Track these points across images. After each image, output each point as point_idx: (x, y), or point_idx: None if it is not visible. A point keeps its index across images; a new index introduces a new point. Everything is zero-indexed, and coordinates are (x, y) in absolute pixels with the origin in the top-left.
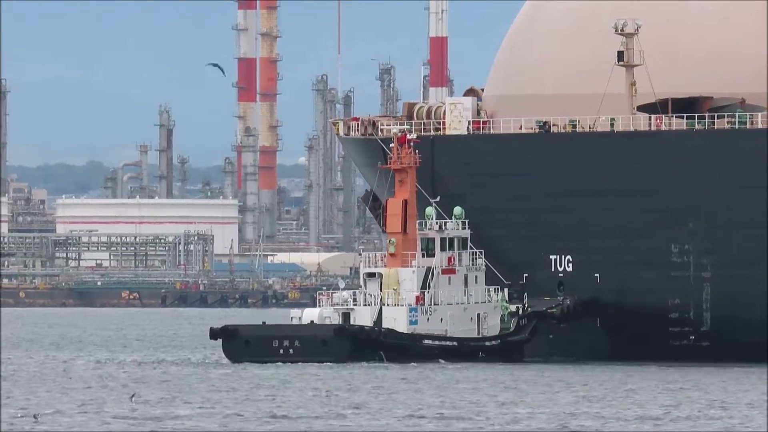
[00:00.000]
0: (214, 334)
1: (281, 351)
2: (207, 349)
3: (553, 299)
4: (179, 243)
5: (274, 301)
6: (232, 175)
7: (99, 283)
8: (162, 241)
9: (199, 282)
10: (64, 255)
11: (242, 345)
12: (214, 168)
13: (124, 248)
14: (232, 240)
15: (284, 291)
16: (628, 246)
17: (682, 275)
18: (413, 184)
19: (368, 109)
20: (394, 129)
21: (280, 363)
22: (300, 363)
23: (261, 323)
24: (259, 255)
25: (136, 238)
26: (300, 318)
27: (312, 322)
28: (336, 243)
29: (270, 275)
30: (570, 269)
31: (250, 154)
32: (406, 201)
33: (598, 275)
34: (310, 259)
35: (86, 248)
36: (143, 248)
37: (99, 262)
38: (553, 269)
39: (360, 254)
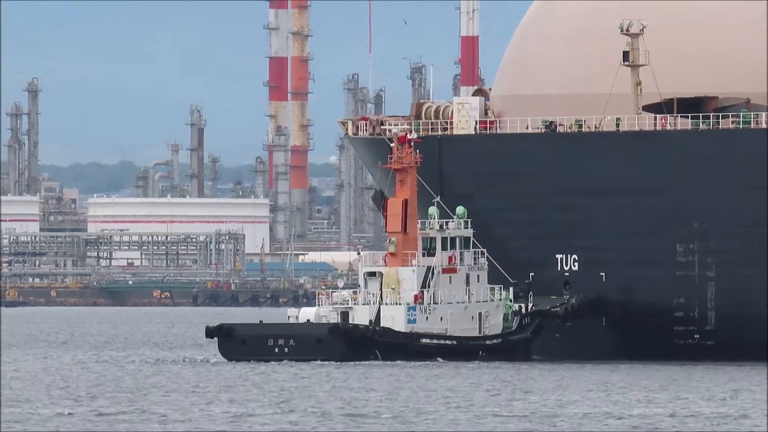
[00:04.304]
0: (210, 332)
1: (276, 350)
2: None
3: (559, 298)
4: (210, 242)
5: (305, 300)
6: (263, 175)
7: (130, 283)
8: (193, 240)
9: (231, 281)
10: (96, 254)
11: (238, 344)
12: (245, 167)
13: (156, 247)
14: (263, 239)
15: (315, 290)
16: (633, 245)
17: (687, 274)
18: (414, 184)
19: (399, 108)
20: (395, 129)
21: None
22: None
23: (258, 322)
24: (290, 254)
25: (167, 237)
26: (297, 317)
27: (308, 321)
28: (367, 242)
29: (301, 274)
30: (576, 268)
31: (282, 153)
32: (406, 200)
33: (603, 274)
34: (341, 258)
35: (117, 247)
36: (174, 247)
37: (130, 261)
38: (559, 268)
39: (359, 253)
